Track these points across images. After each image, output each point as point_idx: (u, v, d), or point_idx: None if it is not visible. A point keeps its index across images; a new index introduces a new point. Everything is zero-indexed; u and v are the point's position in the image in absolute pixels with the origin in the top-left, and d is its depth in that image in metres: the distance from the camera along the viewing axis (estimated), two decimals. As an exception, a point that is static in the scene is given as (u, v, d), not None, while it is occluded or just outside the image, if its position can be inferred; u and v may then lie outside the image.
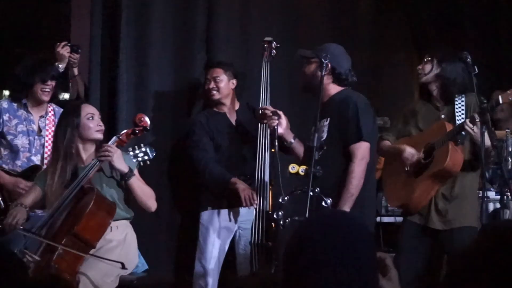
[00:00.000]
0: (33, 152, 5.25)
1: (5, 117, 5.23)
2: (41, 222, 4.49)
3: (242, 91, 5.74)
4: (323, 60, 4.55)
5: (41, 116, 5.33)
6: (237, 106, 5.62)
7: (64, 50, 5.50)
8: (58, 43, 5.52)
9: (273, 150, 5.15)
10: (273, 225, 4.76)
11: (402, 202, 4.86)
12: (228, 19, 6.19)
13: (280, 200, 4.48)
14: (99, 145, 4.62)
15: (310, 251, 1.87)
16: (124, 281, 4.58)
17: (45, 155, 5.23)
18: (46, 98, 5.27)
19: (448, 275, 1.40)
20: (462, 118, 4.67)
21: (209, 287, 5.30)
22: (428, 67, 4.82)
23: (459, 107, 4.74)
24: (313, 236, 1.90)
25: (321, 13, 6.47)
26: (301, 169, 4.40)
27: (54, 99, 5.39)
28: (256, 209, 5.05)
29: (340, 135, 4.55)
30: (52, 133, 5.22)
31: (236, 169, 5.35)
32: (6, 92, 5.73)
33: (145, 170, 4.93)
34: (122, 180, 4.59)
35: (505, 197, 4.78)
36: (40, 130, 5.30)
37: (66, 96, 5.83)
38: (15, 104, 5.28)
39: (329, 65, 4.60)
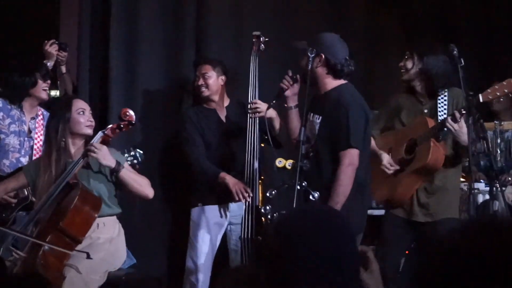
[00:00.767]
0: (23, 153, 5.24)
1: None
2: (27, 218, 4.49)
3: (234, 86, 5.73)
4: (309, 54, 4.49)
5: (32, 118, 5.32)
6: (226, 102, 5.61)
7: (52, 48, 5.48)
8: (46, 41, 5.51)
9: (262, 144, 5.15)
10: (263, 220, 4.75)
11: (386, 198, 4.88)
12: (218, 14, 6.18)
13: (268, 194, 4.46)
14: (88, 140, 4.61)
15: (290, 245, 1.87)
16: (112, 277, 4.57)
17: (34, 157, 5.21)
18: (46, 96, 5.29)
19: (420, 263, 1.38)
20: (445, 114, 4.67)
21: (200, 283, 5.30)
22: (409, 63, 4.80)
23: (442, 103, 4.73)
24: (293, 231, 1.90)
25: (313, 7, 6.45)
26: (288, 163, 4.40)
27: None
28: (249, 202, 5.04)
29: (330, 136, 4.46)
30: (41, 136, 5.24)
31: (226, 165, 5.34)
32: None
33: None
34: (112, 175, 4.58)
35: (494, 188, 4.76)
36: (30, 131, 5.30)
37: (53, 93, 5.82)
38: (8, 103, 5.27)
39: (323, 57, 4.49)
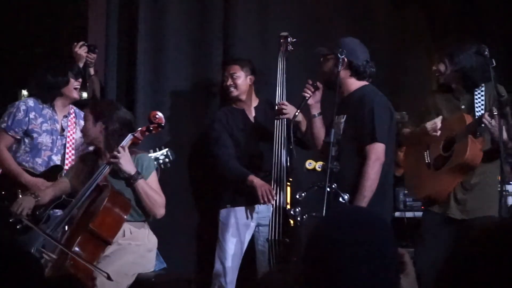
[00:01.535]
0: (55, 151, 5.29)
1: (31, 115, 5.27)
2: (58, 220, 4.52)
3: (261, 86, 5.73)
4: (339, 56, 4.53)
5: (64, 116, 5.38)
6: (255, 102, 5.61)
7: (81, 49, 5.51)
8: (76, 43, 5.54)
9: (291, 146, 5.14)
10: (292, 222, 4.73)
11: (425, 195, 4.85)
12: (245, 15, 6.17)
13: (297, 196, 4.46)
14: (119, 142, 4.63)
15: (331, 249, 1.85)
16: (142, 278, 4.58)
17: (66, 156, 5.26)
18: (77, 95, 5.35)
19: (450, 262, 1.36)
20: (482, 110, 4.64)
21: (228, 285, 5.29)
22: (442, 66, 4.80)
23: (479, 98, 4.71)
24: (333, 234, 1.88)
25: (338, 7, 6.44)
26: (318, 165, 4.40)
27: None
28: (273, 205, 5.04)
29: (355, 134, 4.51)
30: (73, 134, 5.30)
31: (255, 166, 5.35)
32: (25, 92, 5.75)
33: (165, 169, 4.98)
34: (128, 182, 4.57)
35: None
36: (62, 129, 5.34)
37: (84, 95, 5.85)
38: (40, 103, 5.31)
39: (345, 60, 4.57)
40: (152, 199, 4.57)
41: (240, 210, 5.39)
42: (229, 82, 5.53)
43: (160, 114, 4.73)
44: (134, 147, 4.68)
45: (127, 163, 4.50)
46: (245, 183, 5.21)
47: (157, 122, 4.70)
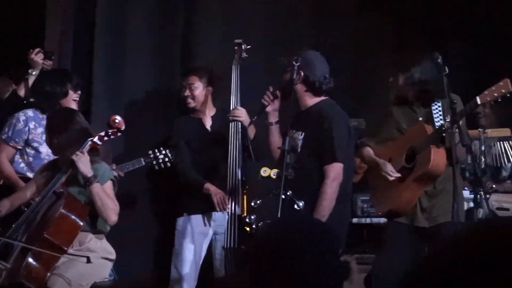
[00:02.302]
0: None
1: (31, 125, 5.28)
2: (13, 228, 4.48)
3: (221, 94, 5.71)
4: (294, 63, 4.53)
5: None
6: (212, 111, 5.63)
7: (37, 56, 5.47)
8: (32, 50, 5.50)
9: (246, 154, 5.14)
10: (248, 229, 4.74)
11: (390, 208, 4.79)
12: (207, 22, 6.17)
13: (253, 204, 4.47)
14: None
15: (274, 256, 1.88)
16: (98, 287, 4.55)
17: None
18: (76, 107, 5.30)
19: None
20: (441, 120, 4.66)
21: (186, 292, 5.29)
22: (398, 79, 4.80)
23: (436, 109, 4.73)
24: (278, 242, 1.91)
25: (303, 14, 6.45)
26: (273, 173, 4.41)
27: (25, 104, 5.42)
28: (228, 213, 5.05)
29: (313, 152, 4.52)
30: None
31: (211, 174, 5.38)
32: None
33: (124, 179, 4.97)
34: (85, 184, 4.53)
35: (478, 196, 4.75)
36: None
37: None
38: (40, 113, 5.30)
39: (302, 74, 4.57)
40: (105, 203, 4.48)
41: (197, 218, 5.40)
42: (187, 93, 5.54)
43: (120, 118, 4.70)
44: (94, 155, 4.61)
45: (85, 165, 4.47)
46: (201, 190, 5.23)
47: (117, 127, 4.67)
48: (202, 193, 5.25)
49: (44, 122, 5.24)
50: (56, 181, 4.50)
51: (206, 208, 5.31)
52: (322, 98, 4.66)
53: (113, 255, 4.67)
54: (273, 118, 4.77)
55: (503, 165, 5.35)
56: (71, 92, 5.29)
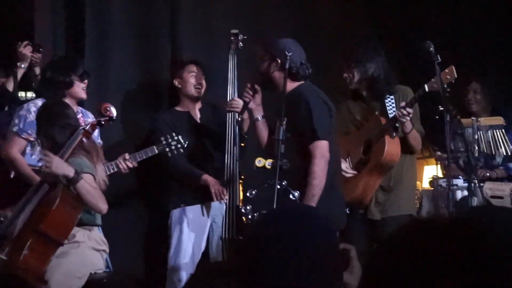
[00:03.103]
0: None
1: None
2: (8, 221, 4.44)
3: (208, 86, 5.69)
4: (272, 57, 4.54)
5: None
6: (199, 104, 5.63)
7: (26, 49, 5.41)
8: (20, 43, 5.44)
9: (242, 144, 5.14)
10: (244, 219, 4.73)
11: (348, 199, 4.80)
12: (192, 14, 6.16)
13: (248, 194, 4.45)
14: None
15: (270, 246, 1.87)
16: (94, 279, 4.52)
17: None
18: (85, 95, 5.24)
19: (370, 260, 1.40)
20: (394, 111, 4.74)
21: (183, 282, 5.27)
22: (351, 73, 4.87)
23: (389, 102, 4.84)
24: (273, 231, 1.90)
25: (286, 4, 6.46)
26: (268, 163, 4.39)
27: (14, 98, 5.36)
28: (226, 203, 5.04)
29: (297, 135, 4.47)
30: None
31: (203, 166, 5.38)
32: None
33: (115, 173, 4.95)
34: (69, 185, 4.33)
35: (472, 184, 4.79)
36: None
37: (28, 95, 5.73)
38: None
39: (279, 61, 4.54)
40: (95, 196, 4.34)
41: (194, 209, 5.39)
42: (201, 80, 5.54)
43: (111, 107, 4.63)
44: (81, 148, 4.52)
45: (59, 166, 4.30)
46: (198, 182, 5.23)
47: (108, 115, 4.62)
48: (198, 184, 5.24)
49: None
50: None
51: (204, 198, 5.31)
52: (300, 82, 4.62)
53: (104, 246, 4.62)
54: (258, 113, 4.75)
55: (496, 152, 5.39)
56: (77, 83, 5.19)
